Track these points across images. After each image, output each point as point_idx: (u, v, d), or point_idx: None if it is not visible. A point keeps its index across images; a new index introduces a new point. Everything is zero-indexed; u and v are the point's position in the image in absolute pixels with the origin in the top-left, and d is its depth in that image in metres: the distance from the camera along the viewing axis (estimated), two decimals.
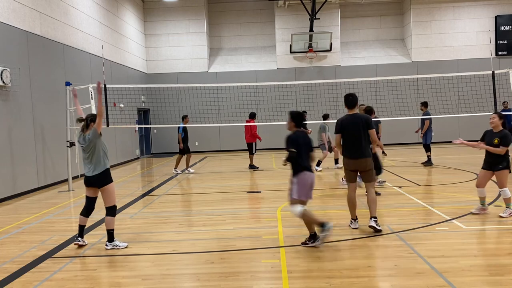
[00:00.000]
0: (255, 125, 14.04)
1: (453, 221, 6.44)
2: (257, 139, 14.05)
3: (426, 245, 5.40)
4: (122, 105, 16.66)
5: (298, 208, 5.38)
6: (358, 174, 6.28)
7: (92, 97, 11.24)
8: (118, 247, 5.71)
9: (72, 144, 11.05)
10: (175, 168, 13.80)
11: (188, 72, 21.19)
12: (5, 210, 8.94)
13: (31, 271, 5.01)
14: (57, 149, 12.00)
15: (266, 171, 13.28)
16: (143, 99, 19.97)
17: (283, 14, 21.34)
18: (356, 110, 6.23)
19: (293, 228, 6.41)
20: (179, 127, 13.56)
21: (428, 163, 13.15)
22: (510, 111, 15.71)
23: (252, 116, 14.08)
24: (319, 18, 20.05)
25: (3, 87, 9.94)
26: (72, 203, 9.43)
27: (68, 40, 13.30)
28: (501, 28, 20.86)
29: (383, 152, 12.59)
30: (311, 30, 20.27)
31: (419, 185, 9.69)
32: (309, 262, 4.93)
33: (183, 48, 21.35)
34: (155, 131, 21.18)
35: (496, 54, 20.80)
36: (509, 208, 6.64)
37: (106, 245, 5.73)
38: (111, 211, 5.79)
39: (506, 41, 20.83)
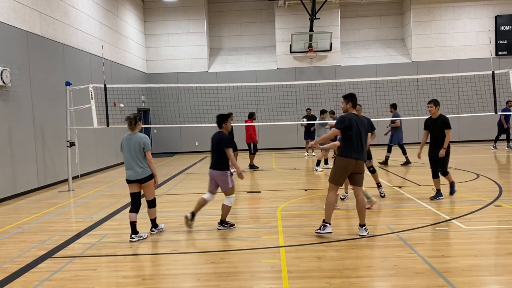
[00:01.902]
0: (252, 125, 13.99)
1: (453, 221, 6.45)
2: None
3: (426, 245, 5.41)
4: (122, 105, 16.65)
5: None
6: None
7: (92, 97, 11.24)
8: (161, 229, 6.51)
9: (72, 144, 11.05)
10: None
11: (188, 72, 21.20)
12: (5, 210, 8.94)
13: (31, 271, 5.01)
14: (57, 149, 12.00)
15: (266, 171, 13.28)
16: (143, 99, 19.97)
17: (283, 14, 21.34)
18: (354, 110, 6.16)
19: (293, 228, 6.41)
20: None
21: (406, 163, 13.23)
22: None
23: (250, 116, 14.04)
24: (319, 18, 20.05)
25: (3, 87, 9.94)
26: (72, 203, 9.43)
27: (68, 40, 13.30)
28: (501, 28, 20.86)
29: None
30: (311, 30, 20.27)
31: (419, 185, 9.69)
32: (309, 262, 4.93)
33: (183, 48, 21.35)
34: (155, 131, 21.18)
35: (496, 54, 20.80)
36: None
37: (152, 230, 6.42)
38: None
39: (506, 41, 20.83)
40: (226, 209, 6.60)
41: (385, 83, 18.30)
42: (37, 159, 11.21)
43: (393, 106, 13.94)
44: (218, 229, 6.54)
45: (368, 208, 7.22)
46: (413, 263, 4.76)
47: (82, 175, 13.31)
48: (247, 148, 14.12)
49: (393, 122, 13.54)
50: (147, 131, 20.85)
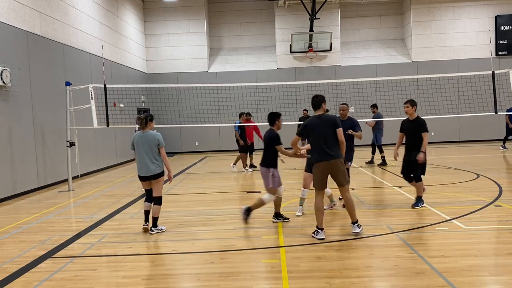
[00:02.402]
0: (245, 126, 13.97)
1: (453, 221, 6.44)
2: (249, 139, 13.90)
3: (426, 245, 5.41)
4: (122, 105, 16.65)
5: None
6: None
7: (92, 97, 11.24)
8: (162, 230, 6.53)
9: (72, 144, 11.05)
10: (244, 167, 13.49)
11: (188, 72, 21.20)
12: (5, 210, 8.94)
13: (31, 271, 5.01)
14: (57, 149, 12.00)
15: None
16: (143, 99, 19.96)
17: (283, 14, 21.34)
18: (322, 111, 5.97)
19: (293, 228, 6.41)
20: (235, 125, 13.51)
21: (383, 163, 13.33)
22: None
23: (240, 116, 14.01)
24: (319, 18, 20.05)
25: (3, 87, 9.94)
26: (72, 203, 9.43)
27: (68, 40, 13.30)
28: (501, 28, 20.86)
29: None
30: (311, 30, 20.27)
31: None
32: (309, 262, 4.93)
33: (183, 48, 21.35)
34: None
35: (496, 54, 20.81)
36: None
37: (151, 230, 6.47)
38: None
39: (506, 41, 20.83)
40: (259, 202, 6.67)
41: (385, 83, 18.30)
42: (37, 159, 11.21)
43: (374, 106, 13.95)
44: (274, 222, 6.80)
45: (330, 209, 7.44)
46: (413, 263, 4.76)
47: (82, 175, 13.30)
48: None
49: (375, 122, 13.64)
50: None
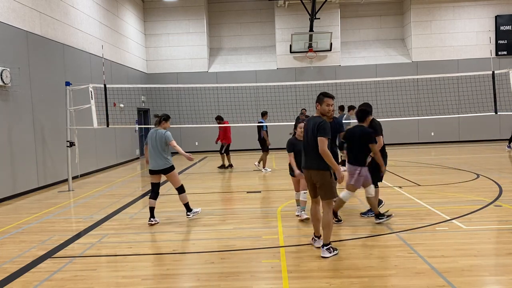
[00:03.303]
0: (229, 126, 14.06)
1: (453, 221, 6.44)
2: (224, 140, 14.13)
3: (426, 245, 5.40)
4: (122, 105, 16.66)
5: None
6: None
7: (92, 97, 11.24)
8: (197, 212, 7.20)
9: (72, 144, 11.05)
10: (264, 168, 13.43)
11: (188, 72, 21.20)
12: (5, 210, 8.94)
13: (31, 271, 5.01)
14: (57, 149, 12.00)
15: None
16: (143, 99, 19.97)
17: (283, 14, 21.35)
18: (317, 113, 5.33)
19: (293, 228, 6.41)
20: (263, 124, 13.49)
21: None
22: None
23: (222, 118, 14.15)
24: (319, 18, 20.05)
25: (3, 87, 9.94)
26: (72, 203, 9.43)
27: (68, 40, 13.30)
28: (501, 28, 20.86)
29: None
30: (311, 30, 20.27)
31: (419, 185, 9.69)
32: (309, 262, 4.93)
33: (183, 48, 21.36)
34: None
35: (496, 54, 20.81)
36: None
37: (188, 215, 7.14)
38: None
39: (506, 41, 20.83)
40: (340, 202, 6.42)
41: (385, 83, 18.31)
42: (37, 159, 11.21)
43: (341, 108, 13.76)
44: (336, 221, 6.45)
45: (298, 216, 6.90)
46: (413, 263, 4.76)
47: (82, 175, 13.30)
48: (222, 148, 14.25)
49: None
50: (147, 131, 20.87)
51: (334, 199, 5.45)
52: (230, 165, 14.40)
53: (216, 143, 14.79)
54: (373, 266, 4.79)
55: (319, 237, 5.36)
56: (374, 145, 6.21)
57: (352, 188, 6.39)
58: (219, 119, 14.19)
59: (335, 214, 6.38)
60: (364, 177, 6.32)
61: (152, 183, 7.12)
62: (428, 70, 19.99)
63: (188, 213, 7.14)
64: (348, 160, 6.47)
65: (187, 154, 7.09)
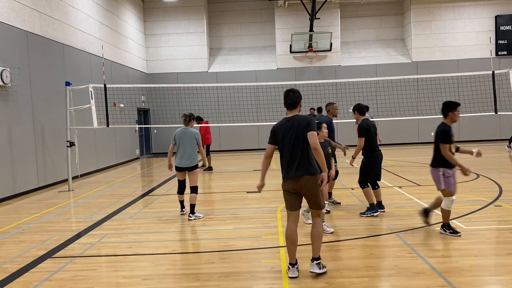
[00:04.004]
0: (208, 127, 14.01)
1: (453, 221, 6.43)
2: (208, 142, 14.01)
3: (426, 245, 5.40)
4: (122, 105, 16.66)
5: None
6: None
7: (92, 97, 11.24)
8: (199, 217, 7.27)
9: (72, 144, 11.05)
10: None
11: (188, 72, 21.20)
12: (5, 210, 8.94)
13: (31, 271, 5.01)
14: (57, 149, 12.00)
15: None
16: (143, 99, 19.97)
17: (283, 14, 21.35)
18: (297, 111, 4.64)
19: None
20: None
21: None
22: None
23: (201, 119, 13.88)
24: (319, 18, 20.05)
25: (3, 87, 9.94)
26: (72, 203, 9.43)
27: (68, 40, 13.30)
28: (501, 28, 20.86)
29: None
30: (311, 30, 20.27)
31: (419, 185, 9.69)
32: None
33: (183, 48, 21.35)
34: (155, 131, 21.18)
35: (496, 54, 20.81)
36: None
37: (189, 216, 7.28)
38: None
39: (506, 41, 20.84)
40: (443, 212, 5.75)
41: (385, 83, 18.31)
42: (37, 159, 11.21)
43: (319, 110, 13.76)
44: (441, 233, 5.77)
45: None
46: (413, 263, 4.76)
47: (82, 175, 13.30)
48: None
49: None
50: (147, 131, 20.88)
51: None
52: (209, 167, 14.09)
53: None
54: (373, 266, 4.79)
55: (294, 265, 4.51)
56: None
57: (447, 193, 5.66)
58: (199, 119, 14.00)
59: (448, 226, 5.73)
60: (451, 178, 5.62)
61: (179, 180, 7.57)
62: (428, 70, 19.98)
63: (190, 214, 7.28)
64: (431, 162, 5.85)
65: (205, 160, 8.25)
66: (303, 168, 4.46)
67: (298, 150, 4.48)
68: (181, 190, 7.62)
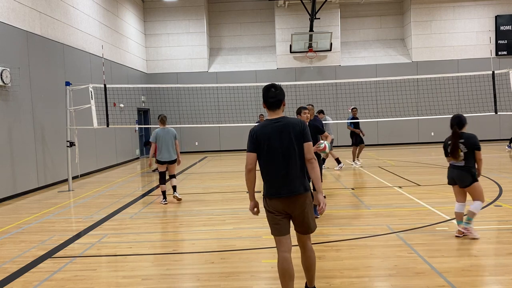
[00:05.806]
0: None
1: (453, 221, 6.43)
2: None
3: (426, 245, 5.40)
4: (122, 105, 16.66)
5: None
6: None
7: (92, 97, 11.24)
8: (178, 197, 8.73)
9: (72, 144, 11.05)
10: (355, 161, 13.48)
11: (188, 72, 21.20)
12: (5, 210, 8.94)
13: (31, 271, 5.01)
14: (57, 149, 12.00)
15: None
16: (143, 99, 19.97)
17: (283, 14, 21.34)
18: (281, 113, 3.73)
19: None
20: (348, 121, 13.44)
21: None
22: None
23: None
24: (319, 18, 20.05)
25: (3, 87, 9.94)
26: (72, 203, 9.43)
27: (68, 40, 13.30)
28: (501, 28, 20.86)
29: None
30: (311, 30, 20.27)
31: (419, 185, 9.69)
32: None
33: (183, 48, 21.35)
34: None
35: (496, 54, 20.80)
36: None
37: (174, 194, 8.80)
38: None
39: (506, 41, 20.83)
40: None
41: (385, 83, 18.31)
42: (37, 159, 11.21)
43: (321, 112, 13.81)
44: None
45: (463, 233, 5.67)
46: (413, 263, 4.76)
47: (82, 175, 13.30)
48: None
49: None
50: (147, 131, 20.88)
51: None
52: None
53: None
54: (373, 266, 4.79)
55: None
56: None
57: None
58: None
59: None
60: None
61: (161, 172, 8.80)
62: (428, 70, 19.98)
63: (175, 193, 8.76)
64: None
65: (179, 158, 9.03)
66: (298, 184, 3.59)
67: (291, 162, 3.56)
68: (162, 180, 8.79)
